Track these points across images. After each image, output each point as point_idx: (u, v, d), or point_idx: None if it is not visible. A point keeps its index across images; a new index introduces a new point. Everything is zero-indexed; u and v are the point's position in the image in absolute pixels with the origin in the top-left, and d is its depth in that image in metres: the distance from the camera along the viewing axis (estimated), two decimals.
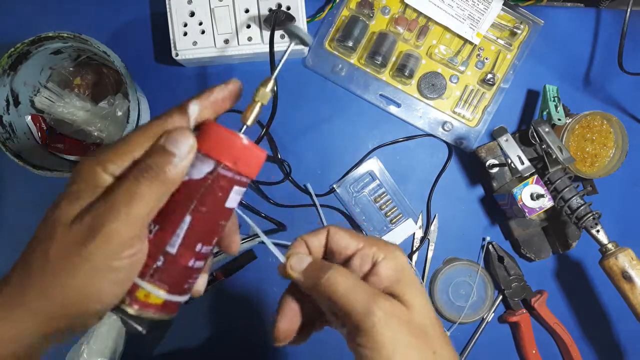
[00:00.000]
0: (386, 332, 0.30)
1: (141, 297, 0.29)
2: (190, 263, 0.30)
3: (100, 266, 0.27)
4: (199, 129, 0.31)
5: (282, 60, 0.32)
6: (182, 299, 0.32)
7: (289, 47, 0.33)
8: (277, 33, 0.59)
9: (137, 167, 0.28)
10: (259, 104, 0.32)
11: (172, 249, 0.30)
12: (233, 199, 0.31)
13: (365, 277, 0.33)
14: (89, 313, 0.29)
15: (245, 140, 0.30)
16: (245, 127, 0.32)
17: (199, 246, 0.30)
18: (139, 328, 0.30)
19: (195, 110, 0.31)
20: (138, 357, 0.62)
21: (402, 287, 0.32)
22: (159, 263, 0.30)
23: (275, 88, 0.55)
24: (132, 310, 0.29)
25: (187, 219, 0.30)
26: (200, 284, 0.34)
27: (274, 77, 0.32)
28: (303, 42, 0.33)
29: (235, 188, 0.31)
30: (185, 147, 0.29)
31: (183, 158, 0.29)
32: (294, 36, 0.33)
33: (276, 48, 0.54)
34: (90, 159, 0.29)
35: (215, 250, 0.34)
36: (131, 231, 0.28)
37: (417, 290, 0.33)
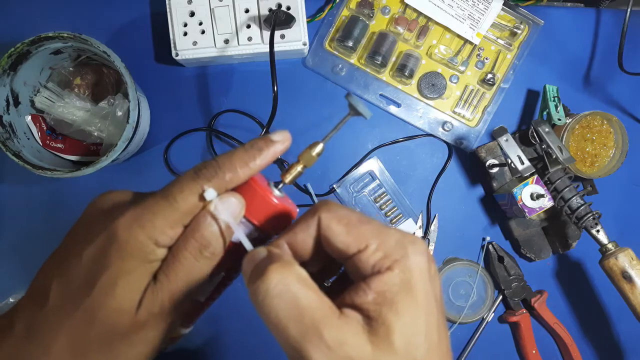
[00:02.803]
0: None
1: (173, 334, 0.32)
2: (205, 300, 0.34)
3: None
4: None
5: (336, 129, 0.32)
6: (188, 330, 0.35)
7: (345, 117, 0.32)
8: (277, 33, 0.59)
9: (194, 244, 0.27)
10: (301, 166, 0.31)
11: (202, 298, 0.33)
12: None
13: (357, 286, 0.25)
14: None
15: (282, 207, 0.30)
16: (282, 184, 0.31)
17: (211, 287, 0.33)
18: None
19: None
20: None
21: (392, 308, 0.23)
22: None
23: (276, 88, 0.55)
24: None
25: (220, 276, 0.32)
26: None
27: (323, 142, 0.31)
28: (361, 115, 0.31)
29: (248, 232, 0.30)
30: (226, 215, 0.27)
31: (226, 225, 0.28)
32: (352, 109, 0.31)
33: (276, 48, 0.54)
34: (136, 229, 0.26)
35: None
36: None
37: (411, 315, 0.24)
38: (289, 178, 0.31)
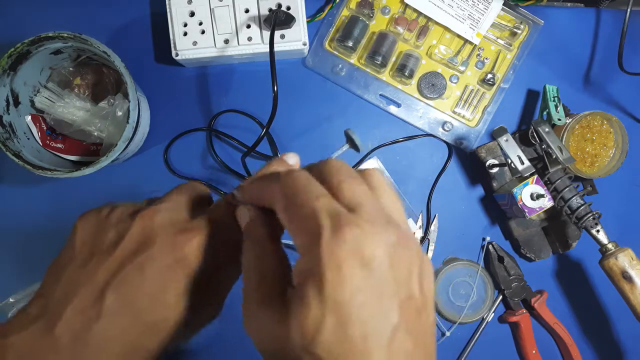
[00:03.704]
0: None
1: None
2: None
3: None
4: None
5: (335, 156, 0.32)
6: None
7: (342, 147, 0.33)
8: (277, 33, 0.59)
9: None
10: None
11: None
12: None
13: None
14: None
15: None
16: None
17: None
18: None
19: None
20: None
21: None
22: None
23: (276, 88, 0.55)
24: None
25: None
26: None
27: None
28: (355, 148, 0.32)
29: None
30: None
31: None
32: (350, 141, 0.33)
33: (276, 48, 0.54)
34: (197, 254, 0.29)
35: None
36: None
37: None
38: None
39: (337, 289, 0.21)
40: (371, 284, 0.22)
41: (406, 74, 0.62)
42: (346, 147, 0.33)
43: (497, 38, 0.64)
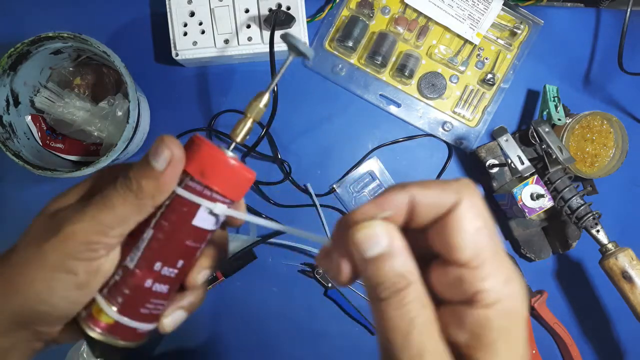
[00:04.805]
0: None
1: (95, 313, 0.28)
2: (148, 283, 0.28)
3: (54, 263, 0.26)
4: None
5: (279, 74, 0.29)
6: (139, 325, 0.28)
7: (287, 60, 0.29)
8: (277, 33, 0.59)
9: (120, 177, 0.27)
10: (250, 120, 0.29)
11: (131, 263, 0.28)
12: (203, 218, 0.28)
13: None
14: (42, 313, 0.27)
15: (219, 153, 0.27)
16: (234, 143, 0.29)
17: (157, 265, 0.28)
18: (92, 350, 0.28)
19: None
20: (138, 357, 0.62)
21: (487, 353, 0.21)
22: (117, 277, 0.28)
23: (276, 88, 0.55)
24: (84, 325, 0.28)
25: (149, 232, 0.28)
26: (168, 319, 0.30)
27: (268, 91, 0.29)
28: (303, 56, 0.29)
29: (206, 203, 0.27)
30: (162, 160, 0.26)
31: (160, 172, 0.26)
32: (294, 49, 0.29)
33: (276, 48, 0.54)
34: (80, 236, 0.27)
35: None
36: (94, 237, 0.26)
37: None
38: (240, 136, 0.29)
39: None
40: None
41: (406, 74, 0.62)
42: (291, 57, 0.30)
43: (497, 38, 0.64)
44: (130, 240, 0.28)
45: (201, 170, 0.27)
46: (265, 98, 0.29)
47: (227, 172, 0.27)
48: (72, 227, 0.26)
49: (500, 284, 0.21)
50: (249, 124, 0.29)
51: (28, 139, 0.58)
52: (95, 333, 0.27)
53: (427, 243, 0.24)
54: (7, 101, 0.56)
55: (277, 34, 0.59)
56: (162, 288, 0.28)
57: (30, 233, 0.28)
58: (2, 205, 0.62)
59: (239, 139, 0.29)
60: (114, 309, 0.27)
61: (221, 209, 0.28)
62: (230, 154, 0.28)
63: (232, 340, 0.62)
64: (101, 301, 0.27)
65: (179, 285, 0.30)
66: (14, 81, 0.56)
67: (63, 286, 0.27)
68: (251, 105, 0.29)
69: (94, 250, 0.26)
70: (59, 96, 0.59)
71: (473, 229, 0.22)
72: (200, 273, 0.30)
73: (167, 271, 0.28)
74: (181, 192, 0.27)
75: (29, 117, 0.59)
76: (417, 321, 0.21)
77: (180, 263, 0.29)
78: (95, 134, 0.60)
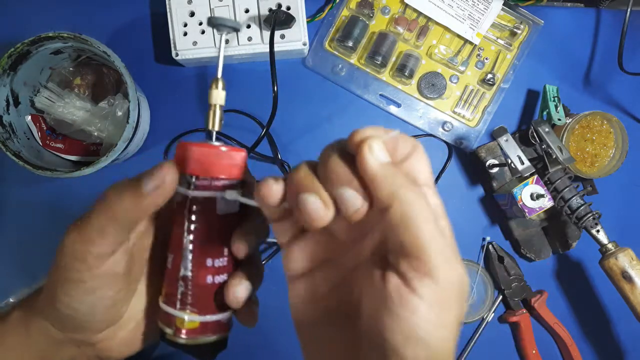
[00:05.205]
0: (456, 306, 0.24)
1: (180, 325, 0.30)
2: (209, 280, 0.30)
3: (63, 272, 0.29)
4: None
5: (220, 57, 0.31)
6: (221, 316, 0.31)
7: (221, 39, 0.31)
8: (277, 33, 0.59)
9: (107, 191, 0.30)
10: (217, 107, 0.31)
11: (187, 272, 0.30)
12: (224, 204, 0.30)
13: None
14: (69, 317, 0.30)
15: (205, 147, 0.29)
16: (214, 133, 0.31)
17: (208, 261, 0.30)
18: (196, 355, 0.31)
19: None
20: (138, 357, 0.62)
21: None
22: (181, 289, 0.30)
23: (276, 88, 0.55)
24: (179, 339, 0.30)
25: (186, 239, 0.30)
26: (239, 292, 0.31)
27: (219, 75, 0.31)
28: (235, 30, 0.31)
29: (219, 194, 0.30)
30: (152, 184, 0.29)
31: (147, 193, 0.28)
32: (222, 27, 0.31)
33: (276, 48, 0.54)
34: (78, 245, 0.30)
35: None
36: (79, 246, 0.29)
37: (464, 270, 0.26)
38: (215, 123, 0.31)
39: None
40: None
41: (406, 74, 0.62)
42: (225, 35, 0.31)
43: (497, 38, 0.64)
44: (175, 256, 0.31)
45: (201, 167, 0.29)
46: (221, 82, 0.31)
47: (221, 159, 0.30)
48: (63, 240, 0.29)
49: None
50: (217, 111, 0.31)
51: (28, 139, 0.58)
52: (188, 340, 0.30)
53: None
54: (7, 101, 0.56)
55: (277, 34, 0.59)
56: (222, 278, 0.31)
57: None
58: (2, 205, 0.62)
59: (216, 127, 0.31)
60: (192, 313, 0.30)
61: (230, 194, 0.29)
62: (216, 143, 0.30)
63: (231, 340, 0.62)
64: (179, 314, 0.30)
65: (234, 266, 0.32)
66: (14, 81, 0.56)
67: (75, 292, 0.29)
68: (211, 94, 0.31)
69: (83, 261, 0.29)
70: (59, 96, 0.59)
71: (427, 161, 0.28)
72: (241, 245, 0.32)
73: (219, 262, 0.31)
74: (194, 193, 0.29)
75: (29, 117, 0.59)
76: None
77: (225, 251, 0.31)
78: (95, 134, 0.60)
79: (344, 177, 0.25)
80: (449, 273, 0.23)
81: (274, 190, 0.26)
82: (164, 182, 0.28)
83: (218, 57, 0.31)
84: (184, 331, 0.30)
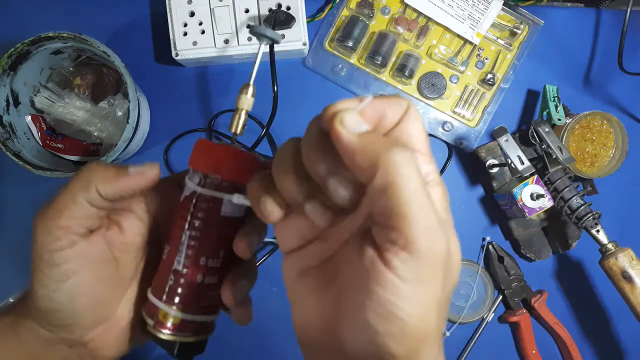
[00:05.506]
0: (437, 283, 0.22)
1: (161, 318, 0.30)
2: (199, 279, 0.30)
3: (36, 259, 0.29)
4: None
5: (256, 64, 0.32)
6: (203, 318, 0.31)
7: (259, 49, 0.33)
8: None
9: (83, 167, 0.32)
10: (243, 112, 0.31)
11: (179, 266, 0.30)
12: (229, 207, 0.30)
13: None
14: (49, 311, 0.30)
15: (224, 147, 0.30)
16: (236, 136, 0.32)
17: (203, 260, 0.30)
18: (170, 352, 0.30)
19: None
20: (138, 357, 0.62)
21: (448, 230, 0.25)
22: (170, 282, 0.30)
23: (276, 88, 0.55)
24: (154, 331, 0.30)
25: (186, 234, 0.30)
26: (235, 291, 0.31)
27: (251, 82, 0.32)
28: (273, 41, 0.32)
29: (227, 196, 0.30)
30: (137, 170, 0.31)
31: (128, 175, 0.31)
32: (263, 37, 0.32)
33: (276, 48, 0.54)
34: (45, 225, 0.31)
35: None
36: (49, 223, 0.30)
37: (457, 240, 0.26)
38: (239, 127, 0.31)
39: None
40: None
41: (406, 74, 0.62)
42: (263, 45, 0.33)
43: (497, 38, 0.64)
44: (172, 249, 0.31)
45: (213, 166, 0.30)
46: (252, 89, 0.32)
47: (235, 162, 0.30)
48: (33, 228, 0.29)
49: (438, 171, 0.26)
50: (243, 115, 0.31)
51: (28, 139, 0.58)
52: (165, 335, 0.30)
53: None
54: (7, 101, 0.56)
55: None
56: (212, 279, 0.31)
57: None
58: (2, 205, 0.62)
59: (239, 131, 0.31)
60: (176, 308, 0.30)
61: (238, 198, 0.29)
62: (235, 145, 0.30)
63: (231, 341, 0.62)
64: (163, 306, 0.30)
65: (228, 271, 0.32)
66: (14, 81, 0.56)
67: (49, 279, 0.29)
68: (240, 98, 0.32)
69: (51, 238, 0.29)
70: (59, 96, 0.59)
71: (421, 123, 0.25)
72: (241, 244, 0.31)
73: (213, 262, 0.30)
74: (202, 190, 0.30)
75: (29, 117, 0.59)
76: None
77: (221, 253, 0.31)
78: (95, 134, 0.60)
79: (324, 164, 0.24)
80: (430, 246, 0.21)
81: (274, 214, 0.26)
82: (145, 172, 0.30)
83: (254, 63, 0.32)
84: (164, 325, 0.30)
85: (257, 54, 0.32)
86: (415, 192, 0.21)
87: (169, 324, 0.30)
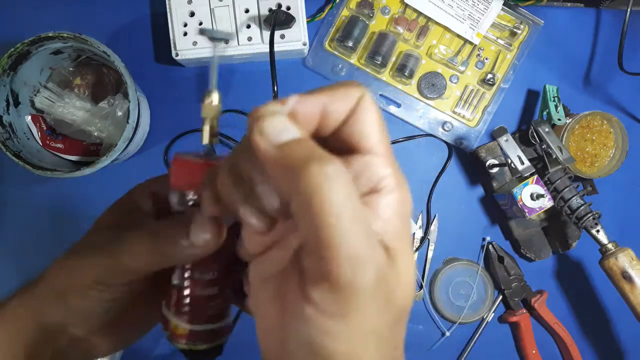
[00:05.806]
0: (366, 314, 0.19)
1: (173, 329, 0.31)
2: (198, 292, 0.31)
3: (60, 285, 0.31)
4: None
5: (214, 67, 0.31)
6: (211, 326, 0.32)
7: (214, 52, 0.32)
8: (277, 33, 0.59)
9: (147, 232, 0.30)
10: (207, 120, 0.30)
11: (179, 282, 0.31)
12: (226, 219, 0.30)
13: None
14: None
15: (178, 161, 0.29)
16: (210, 147, 0.30)
17: (197, 275, 0.31)
18: (188, 358, 0.32)
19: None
20: (138, 357, 0.62)
21: (398, 244, 0.21)
22: (174, 297, 0.31)
23: (276, 88, 0.55)
24: (172, 342, 0.31)
25: None
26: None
27: (216, 89, 0.30)
28: (225, 41, 0.31)
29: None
30: (201, 239, 0.29)
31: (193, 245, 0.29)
32: (216, 39, 0.32)
33: (276, 48, 0.54)
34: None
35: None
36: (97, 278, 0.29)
37: (409, 256, 0.22)
38: (206, 139, 0.30)
39: None
40: None
41: (406, 74, 0.62)
42: (220, 46, 0.31)
43: (497, 38, 0.64)
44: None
45: (174, 181, 0.30)
46: (216, 96, 0.29)
47: (186, 172, 0.30)
48: (81, 261, 0.30)
49: (399, 174, 0.23)
50: (207, 125, 0.30)
51: (28, 139, 0.58)
52: (181, 345, 0.31)
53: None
54: (7, 101, 0.56)
55: (277, 34, 0.59)
56: (212, 291, 0.31)
57: (78, 242, 0.31)
58: (2, 205, 0.62)
59: (205, 141, 0.30)
60: (184, 321, 0.31)
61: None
62: (185, 155, 0.30)
63: (231, 341, 0.62)
64: (173, 319, 0.31)
65: (229, 279, 0.33)
66: (14, 81, 0.56)
67: (60, 311, 0.31)
68: (206, 108, 0.30)
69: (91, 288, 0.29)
70: (59, 96, 0.59)
71: (377, 117, 0.21)
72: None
73: (209, 275, 0.31)
74: (178, 207, 0.30)
75: (29, 117, 0.59)
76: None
77: (215, 265, 0.31)
78: (95, 134, 0.60)
79: (254, 172, 0.21)
80: (353, 277, 0.18)
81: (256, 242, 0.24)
82: (208, 241, 0.27)
83: (211, 67, 0.30)
84: (178, 336, 0.31)
85: (214, 57, 0.30)
86: (338, 216, 0.18)
87: (180, 335, 0.31)
